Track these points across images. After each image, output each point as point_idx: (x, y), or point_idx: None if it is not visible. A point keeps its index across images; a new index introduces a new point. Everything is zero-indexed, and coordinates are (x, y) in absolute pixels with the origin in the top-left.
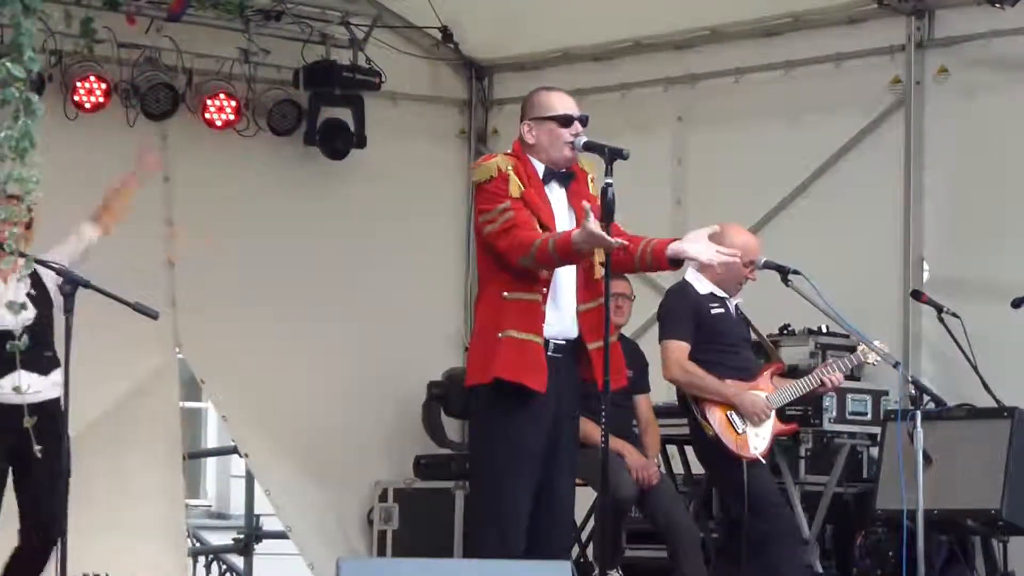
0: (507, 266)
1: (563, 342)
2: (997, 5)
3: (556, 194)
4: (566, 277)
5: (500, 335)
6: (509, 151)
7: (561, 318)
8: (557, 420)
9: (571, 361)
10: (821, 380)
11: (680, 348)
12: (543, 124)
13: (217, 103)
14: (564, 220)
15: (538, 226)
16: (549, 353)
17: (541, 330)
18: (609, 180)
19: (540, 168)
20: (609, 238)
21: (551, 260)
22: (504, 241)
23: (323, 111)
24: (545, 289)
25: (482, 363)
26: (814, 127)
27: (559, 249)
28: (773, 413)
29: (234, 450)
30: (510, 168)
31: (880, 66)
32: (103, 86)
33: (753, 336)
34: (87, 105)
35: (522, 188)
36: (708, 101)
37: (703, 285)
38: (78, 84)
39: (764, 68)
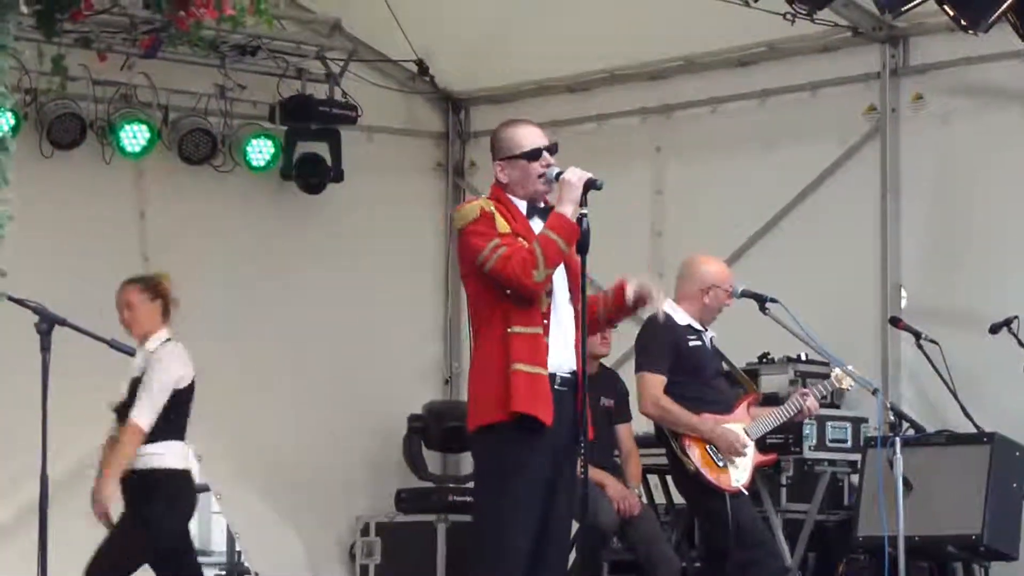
0: (514, 297)
1: (568, 375)
2: (971, 32)
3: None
4: (565, 311)
5: (510, 369)
6: (489, 195)
7: (564, 352)
8: (559, 454)
9: (572, 394)
10: (798, 408)
11: (656, 382)
12: (513, 163)
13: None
14: None
15: None
16: (556, 387)
17: (546, 363)
18: (584, 211)
19: (522, 206)
20: (586, 174)
21: (556, 247)
22: (509, 268)
23: (299, 145)
24: (546, 321)
25: (494, 400)
26: (791, 155)
27: (553, 226)
28: (752, 444)
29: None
30: (493, 208)
31: (855, 94)
32: (78, 124)
33: (725, 367)
34: (63, 143)
35: (508, 227)
36: (685, 131)
37: (681, 317)
38: (54, 122)
39: (740, 97)
